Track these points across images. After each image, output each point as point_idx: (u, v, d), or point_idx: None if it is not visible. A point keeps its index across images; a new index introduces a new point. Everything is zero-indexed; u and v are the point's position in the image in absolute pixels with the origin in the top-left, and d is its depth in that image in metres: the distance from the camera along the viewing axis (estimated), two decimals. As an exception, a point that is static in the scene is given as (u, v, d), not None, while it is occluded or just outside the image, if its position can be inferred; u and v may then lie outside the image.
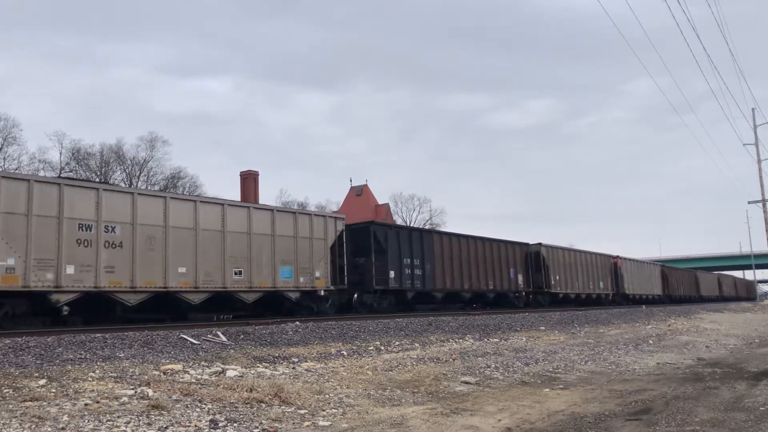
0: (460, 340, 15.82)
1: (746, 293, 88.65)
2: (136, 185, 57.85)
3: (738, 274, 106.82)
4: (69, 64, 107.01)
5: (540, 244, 32.66)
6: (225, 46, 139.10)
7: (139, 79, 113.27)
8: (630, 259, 44.00)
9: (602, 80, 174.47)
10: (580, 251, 37.74)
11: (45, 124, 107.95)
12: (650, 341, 17.56)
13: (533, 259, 32.18)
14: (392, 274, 22.81)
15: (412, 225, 77.70)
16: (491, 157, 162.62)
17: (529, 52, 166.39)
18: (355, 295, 22.02)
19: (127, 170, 60.79)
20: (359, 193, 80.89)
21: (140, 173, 61.01)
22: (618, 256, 41.82)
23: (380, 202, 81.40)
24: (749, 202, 45.58)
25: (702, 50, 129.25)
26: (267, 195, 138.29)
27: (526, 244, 32.25)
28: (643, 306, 39.26)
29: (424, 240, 25.15)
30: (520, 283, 30.91)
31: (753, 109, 74.53)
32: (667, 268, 52.87)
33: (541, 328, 20.34)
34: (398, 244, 23.45)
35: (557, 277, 33.37)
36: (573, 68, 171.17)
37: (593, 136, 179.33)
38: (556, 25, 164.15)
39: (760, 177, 42.23)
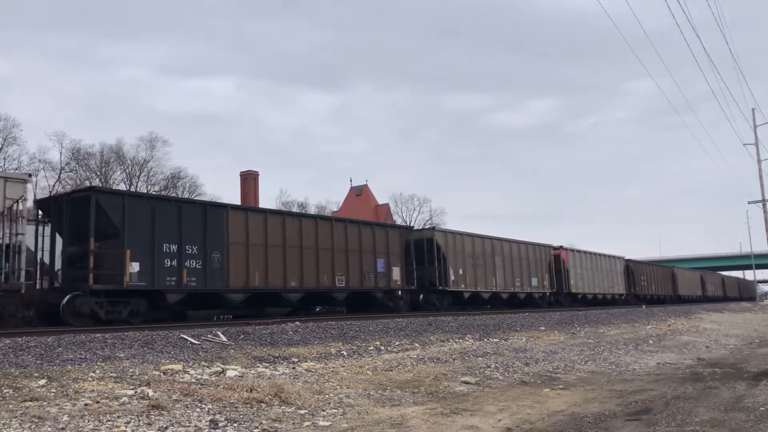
0: (460, 340, 15.84)
1: (739, 293, 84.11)
2: (137, 185, 57.87)
3: (738, 274, 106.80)
4: (70, 64, 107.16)
5: (433, 228, 26.86)
6: (226, 46, 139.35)
7: (139, 80, 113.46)
8: (581, 251, 37.32)
9: (602, 80, 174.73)
10: (499, 239, 29.67)
11: (45, 124, 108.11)
12: (650, 341, 17.57)
13: (424, 248, 25.27)
14: (135, 267, 15.68)
15: (410, 224, 76.99)
16: (491, 157, 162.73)
17: (529, 52, 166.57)
18: (64, 300, 14.77)
19: (127, 170, 60.81)
20: (359, 193, 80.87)
21: (140, 173, 61.03)
22: (561, 247, 35.12)
23: (380, 202, 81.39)
24: (749, 202, 45.59)
25: (702, 50, 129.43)
26: (267, 195, 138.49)
27: (408, 228, 26.27)
28: (643, 306, 39.15)
29: (210, 218, 17.51)
30: (396, 279, 23.55)
31: (753, 109, 74.80)
32: (633, 263, 45.57)
33: (541, 328, 20.35)
34: (152, 223, 16.16)
35: (460, 272, 26.26)
36: (573, 68, 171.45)
37: (594, 136, 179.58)
38: (556, 25, 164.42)
39: (760, 177, 42.36)
